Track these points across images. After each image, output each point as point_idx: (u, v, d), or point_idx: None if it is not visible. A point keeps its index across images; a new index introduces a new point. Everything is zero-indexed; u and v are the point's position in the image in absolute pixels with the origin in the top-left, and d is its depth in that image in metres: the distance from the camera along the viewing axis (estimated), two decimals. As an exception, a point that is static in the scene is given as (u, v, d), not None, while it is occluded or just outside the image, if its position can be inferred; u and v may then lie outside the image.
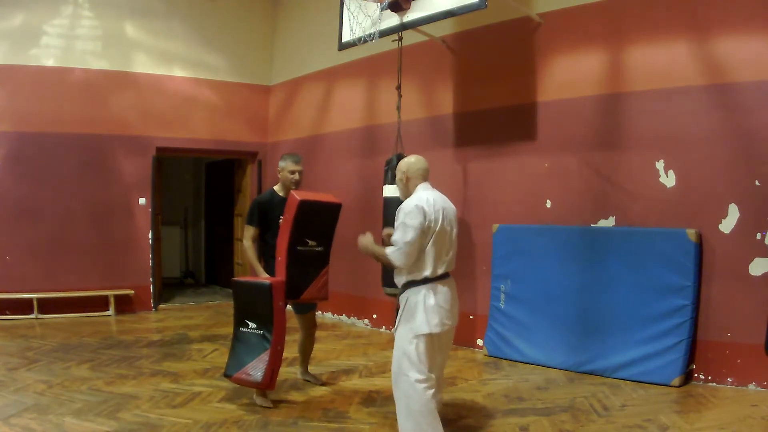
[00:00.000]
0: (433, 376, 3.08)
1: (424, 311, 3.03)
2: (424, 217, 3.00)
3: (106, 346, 5.66)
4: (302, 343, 4.57)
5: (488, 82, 5.86)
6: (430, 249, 3.04)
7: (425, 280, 3.06)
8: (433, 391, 3.04)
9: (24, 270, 7.12)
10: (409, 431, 3.02)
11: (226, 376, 4.01)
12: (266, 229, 4.23)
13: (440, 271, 3.09)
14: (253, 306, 3.91)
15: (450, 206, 3.22)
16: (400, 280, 3.16)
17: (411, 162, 3.24)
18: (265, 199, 4.27)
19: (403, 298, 3.13)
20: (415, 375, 3.00)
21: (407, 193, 3.22)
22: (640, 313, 4.60)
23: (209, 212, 10.87)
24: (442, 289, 3.10)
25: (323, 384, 4.52)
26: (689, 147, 4.58)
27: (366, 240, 3.19)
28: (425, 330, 3.01)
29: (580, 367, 4.84)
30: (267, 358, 3.79)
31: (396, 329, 3.14)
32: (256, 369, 3.81)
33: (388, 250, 3.06)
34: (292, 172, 4.21)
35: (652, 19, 4.80)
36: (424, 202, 3.04)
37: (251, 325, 3.90)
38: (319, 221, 3.99)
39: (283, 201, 4.17)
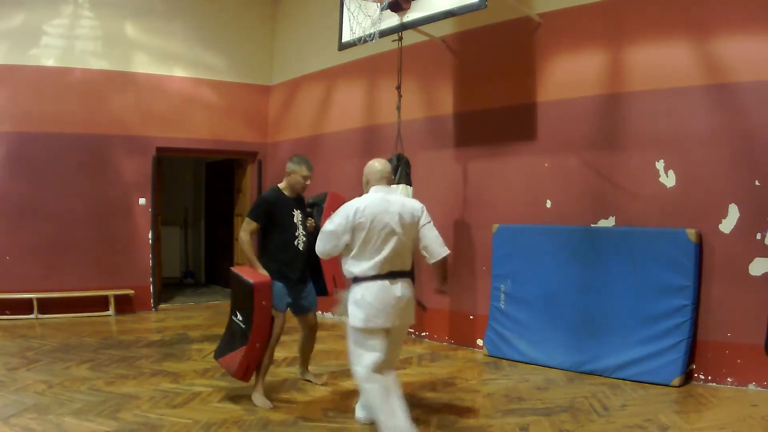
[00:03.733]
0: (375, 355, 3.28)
1: (355, 306, 3.29)
2: (347, 221, 3.25)
3: (106, 346, 5.66)
4: (303, 344, 4.56)
5: (488, 82, 5.86)
6: (357, 251, 3.27)
7: (365, 278, 3.27)
8: (373, 371, 3.24)
9: (24, 270, 7.12)
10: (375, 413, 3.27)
11: (215, 357, 4.24)
12: (272, 228, 4.19)
13: (377, 271, 3.25)
14: (240, 300, 4.01)
15: (400, 209, 3.32)
16: (348, 274, 3.40)
17: (372, 165, 3.52)
18: (272, 197, 4.23)
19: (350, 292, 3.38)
20: (356, 365, 3.30)
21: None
22: (640, 313, 4.60)
23: (209, 212, 10.86)
24: (380, 289, 3.25)
25: (323, 384, 4.51)
26: (689, 147, 4.58)
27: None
28: (356, 324, 3.27)
29: (580, 367, 4.84)
30: (241, 354, 3.87)
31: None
32: (233, 360, 3.95)
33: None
34: (305, 178, 4.21)
35: (652, 20, 4.80)
36: (352, 208, 3.28)
37: (239, 316, 4.00)
38: None
39: (289, 201, 4.19)
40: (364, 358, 3.24)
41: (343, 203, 4.03)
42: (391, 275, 3.28)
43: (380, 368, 3.23)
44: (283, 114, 8.65)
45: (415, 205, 3.42)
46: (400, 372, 4.89)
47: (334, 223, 3.30)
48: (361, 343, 3.27)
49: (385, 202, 3.32)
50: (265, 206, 4.17)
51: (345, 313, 3.38)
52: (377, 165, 3.50)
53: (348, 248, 3.30)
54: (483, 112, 5.90)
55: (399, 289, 3.28)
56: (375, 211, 3.26)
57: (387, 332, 3.29)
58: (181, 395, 4.16)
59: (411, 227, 3.33)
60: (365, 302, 3.22)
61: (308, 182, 4.24)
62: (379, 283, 3.24)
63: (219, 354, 4.16)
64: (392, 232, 3.26)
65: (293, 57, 8.47)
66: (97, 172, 7.57)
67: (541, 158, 5.43)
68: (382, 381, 3.20)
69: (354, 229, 3.24)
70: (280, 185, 4.29)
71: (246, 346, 3.84)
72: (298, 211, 4.24)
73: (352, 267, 3.30)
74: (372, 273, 3.24)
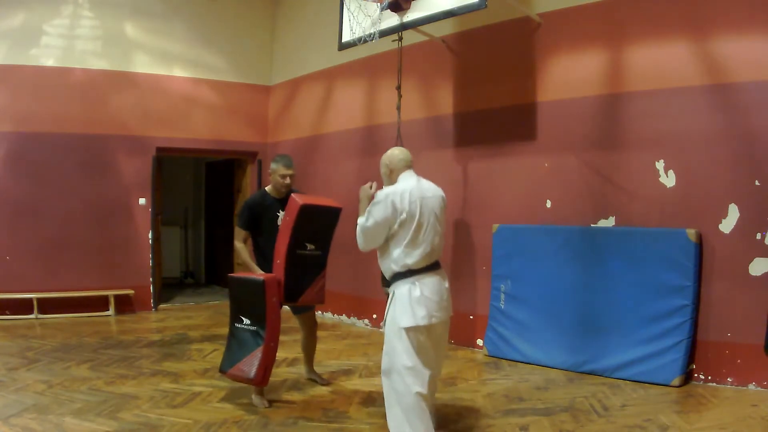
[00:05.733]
0: (425, 371, 3.03)
1: (410, 304, 3.02)
2: (393, 210, 3.03)
3: (106, 346, 5.66)
4: (304, 343, 4.57)
5: (488, 82, 5.85)
6: (409, 240, 3.06)
7: (410, 272, 3.07)
8: (420, 387, 2.98)
9: (24, 270, 7.12)
10: (397, 424, 3.00)
11: (221, 371, 4.04)
12: (259, 232, 4.19)
13: (424, 263, 3.10)
14: (247, 302, 3.91)
15: (433, 194, 3.22)
16: (386, 272, 3.19)
17: (394, 154, 3.30)
18: (256, 201, 4.22)
19: (390, 291, 3.17)
20: (403, 370, 2.99)
21: (391, 184, 3.27)
22: (640, 313, 4.60)
23: (209, 212, 10.86)
24: (429, 280, 3.10)
25: (327, 384, 4.51)
26: (689, 147, 4.58)
27: (364, 192, 3.30)
28: (411, 323, 3.00)
29: (580, 367, 4.84)
30: (260, 355, 3.79)
31: (384, 323, 3.16)
32: (249, 365, 3.81)
33: (358, 225, 3.15)
34: (283, 177, 4.16)
35: (652, 19, 4.80)
36: (397, 195, 3.06)
37: (245, 321, 3.91)
38: (318, 225, 4.00)
39: (275, 202, 4.17)
40: (414, 358, 3.00)
41: (299, 208, 3.78)
42: (437, 264, 3.19)
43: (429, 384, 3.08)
44: (283, 114, 8.65)
45: (441, 191, 3.31)
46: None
47: (374, 216, 3.05)
48: (416, 342, 3.00)
49: (423, 188, 3.19)
50: (248, 211, 4.16)
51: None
52: (398, 153, 3.29)
53: (394, 239, 3.08)
54: (483, 112, 5.90)
55: (444, 278, 3.23)
56: (420, 196, 3.11)
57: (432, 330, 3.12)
58: (181, 395, 4.16)
59: (443, 214, 3.25)
60: (425, 298, 3.04)
61: (288, 180, 4.18)
62: (433, 275, 3.12)
63: (228, 365, 3.95)
64: (436, 219, 3.16)
65: (293, 57, 8.48)
66: (97, 172, 7.57)
67: (541, 158, 5.43)
68: (425, 390, 3.01)
69: (404, 216, 3.03)
70: (267, 188, 4.29)
71: (263, 346, 3.78)
72: (284, 212, 4.21)
73: (405, 258, 3.06)
74: (425, 264, 3.09)
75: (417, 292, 3.03)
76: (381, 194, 3.10)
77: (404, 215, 3.04)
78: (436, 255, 3.19)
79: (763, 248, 4.21)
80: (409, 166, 3.28)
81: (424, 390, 2.99)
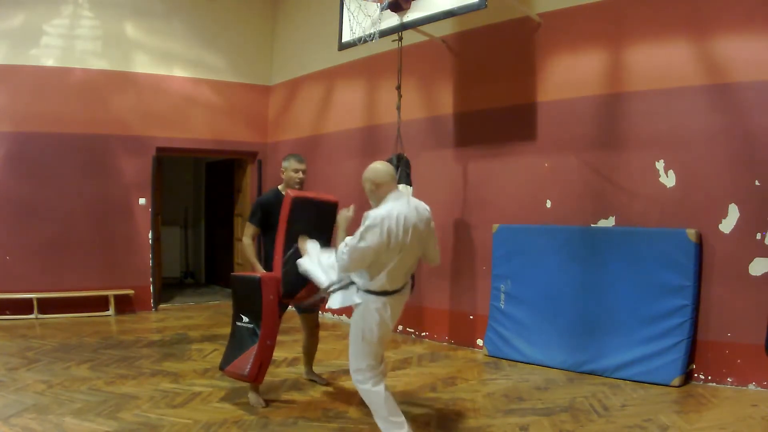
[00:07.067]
0: (380, 367, 3.22)
1: (379, 318, 3.11)
2: (388, 238, 2.96)
3: (106, 346, 5.66)
4: (305, 344, 4.57)
5: (488, 82, 5.86)
6: (393, 267, 3.05)
7: (385, 293, 3.11)
8: (382, 383, 3.18)
9: (24, 270, 7.12)
10: (378, 411, 3.16)
11: (220, 369, 4.07)
12: (269, 229, 4.20)
13: (399, 285, 3.16)
14: (247, 300, 3.93)
15: (424, 218, 3.17)
16: (359, 284, 3.17)
17: (378, 168, 3.18)
18: (268, 199, 4.25)
19: (360, 300, 3.16)
20: (367, 370, 3.16)
21: (379, 199, 3.14)
22: (640, 313, 4.60)
23: (209, 212, 10.87)
24: (395, 302, 3.18)
25: (327, 384, 4.51)
26: (689, 147, 4.58)
27: (342, 217, 3.32)
28: (377, 335, 3.14)
29: (580, 367, 4.84)
30: (254, 352, 3.80)
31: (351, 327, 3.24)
32: (244, 362, 3.83)
33: (339, 248, 3.13)
34: (296, 171, 4.20)
35: (652, 19, 4.80)
36: (393, 220, 2.98)
37: (245, 319, 3.93)
38: (315, 220, 3.96)
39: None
40: (373, 367, 3.17)
41: (290, 200, 3.78)
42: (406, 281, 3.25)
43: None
44: (283, 114, 8.65)
45: (426, 208, 3.25)
46: (399, 372, 4.92)
47: (368, 241, 2.95)
48: (373, 350, 3.17)
49: (413, 210, 3.10)
50: (260, 209, 4.20)
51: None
52: (382, 167, 3.18)
53: (377, 263, 3.04)
54: (483, 112, 5.90)
55: (408, 291, 3.32)
56: (414, 223, 3.06)
57: None
58: (181, 395, 4.16)
59: (427, 234, 3.22)
60: (388, 314, 3.12)
61: (301, 175, 4.20)
62: (401, 294, 3.19)
63: (225, 363, 3.98)
64: (419, 244, 3.16)
65: (293, 57, 8.48)
66: (97, 172, 7.57)
67: (541, 158, 5.43)
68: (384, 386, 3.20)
69: (397, 242, 2.98)
70: (279, 186, 4.32)
71: (258, 344, 3.79)
72: None
73: (386, 285, 3.07)
74: (400, 285, 3.15)
75: (388, 312, 3.12)
76: (377, 218, 2.97)
77: (398, 240, 3.00)
78: (412, 270, 3.27)
79: (763, 248, 4.21)
80: (394, 178, 3.20)
81: (382, 385, 3.18)
